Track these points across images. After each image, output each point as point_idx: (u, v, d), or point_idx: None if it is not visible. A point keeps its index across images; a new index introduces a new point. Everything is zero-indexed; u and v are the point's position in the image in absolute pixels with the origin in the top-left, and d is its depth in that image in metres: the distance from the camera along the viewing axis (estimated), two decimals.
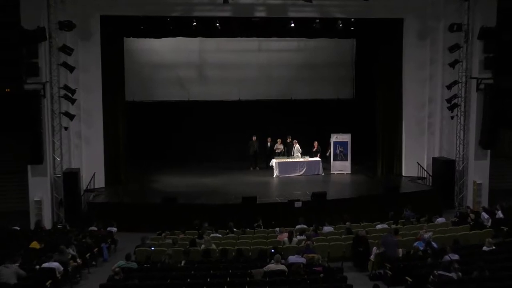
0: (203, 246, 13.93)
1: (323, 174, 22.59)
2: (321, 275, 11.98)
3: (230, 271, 12.10)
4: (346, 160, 22.64)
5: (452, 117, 20.89)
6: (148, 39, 22.61)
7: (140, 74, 24.00)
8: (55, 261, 12.55)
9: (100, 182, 20.35)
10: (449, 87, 20.51)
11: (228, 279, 11.61)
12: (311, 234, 15.01)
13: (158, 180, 22.06)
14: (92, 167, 20.01)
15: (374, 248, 13.65)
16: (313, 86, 25.38)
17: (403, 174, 22.10)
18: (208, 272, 12.09)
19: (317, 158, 22.85)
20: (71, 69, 18.76)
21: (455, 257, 12.30)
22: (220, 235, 15.49)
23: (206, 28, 20.89)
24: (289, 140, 23.38)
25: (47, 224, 18.12)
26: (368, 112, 24.10)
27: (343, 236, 15.08)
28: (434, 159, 21.38)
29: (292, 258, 12.69)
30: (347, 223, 15.99)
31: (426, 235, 14.25)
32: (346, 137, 22.68)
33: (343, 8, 20.77)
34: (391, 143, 22.58)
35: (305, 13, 20.69)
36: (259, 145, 23.60)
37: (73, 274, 13.25)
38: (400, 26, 21.40)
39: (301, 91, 25.43)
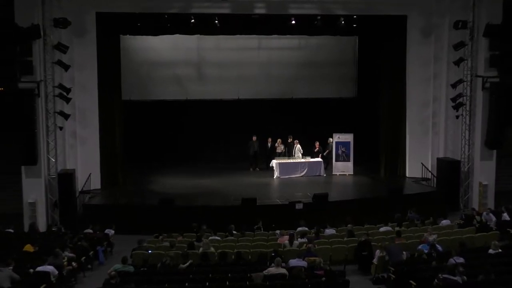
0: (201, 249, 13.92)
1: (324, 175, 22.59)
2: (323, 279, 11.96)
3: (229, 275, 12.08)
4: (348, 160, 22.65)
5: (457, 117, 20.88)
6: (145, 36, 22.57)
7: (137, 73, 24.00)
8: (49, 264, 12.52)
9: (95, 183, 20.34)
10: (454, 85, 20.50)
11: (227, 283, 11.61)
12: (313, 236, 15.01)
13: (155, 181, 22.06)
14: (87, 168, 20.00)
15: (377, 251, 13.64)
16: (315, 85, 25.36)
17: (407, 175, 22.12)
18: (206, 276, 12.07)
19: (319, 159, 22.85)
20: (66, 67, 18.75)
21: (460, 260, 12.30)
22: (219, 238, 15.49)
23: (205, 25, 20.86)
24: (289, 140, 23.39)
25: (42, 226, 18.10)
26: (371, 112, 24.10)
27: (345, 239, 15.09)
28: (438, 159, 21.38)
29: (293, 262, 12.70)
30: (349, 225, 15.99)
31: (431, 238, 14.25)
32: (348, 137, 22.69)
33: (345, 4, 20.79)
34: (394, 143, 22.58)
35: (306, 10, 20.71)
36: (259, 145, 23.60)
37: (68, 278, 13.24)
38: (403, 23, 21.41)
39: (302, 90, 25.42)
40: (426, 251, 13.60)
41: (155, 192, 20.19)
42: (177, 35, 22.29)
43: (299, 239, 14.92)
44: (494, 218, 16.73)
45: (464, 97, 20.54)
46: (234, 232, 15.97)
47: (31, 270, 12.42)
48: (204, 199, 19.29)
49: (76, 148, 19.98)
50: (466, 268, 11.83)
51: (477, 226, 16.24)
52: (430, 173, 21.45)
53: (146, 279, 11.96)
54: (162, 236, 15.68)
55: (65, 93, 18.75)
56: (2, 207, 19.56)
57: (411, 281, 12.05)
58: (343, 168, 22.69)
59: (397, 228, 15.76)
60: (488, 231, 15.54)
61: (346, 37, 24.82)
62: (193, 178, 22.24)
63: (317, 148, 23.12)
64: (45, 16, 18.23)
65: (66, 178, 18.85)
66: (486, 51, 19.99)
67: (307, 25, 21.42)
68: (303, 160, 22.70)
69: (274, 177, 22.27)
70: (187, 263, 12.86)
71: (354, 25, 21.67)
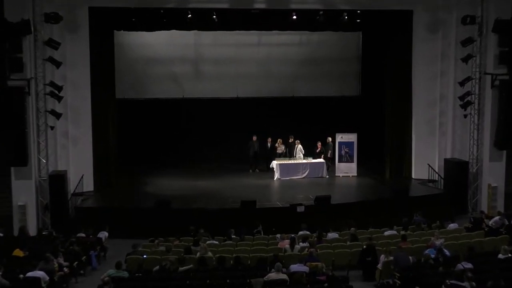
0: (198, 253, 13.91)
1: (327, 176, 22.58)
2: (325, 284, 11.96)
3: (227, 280, 12.07)
4: (352, 161, 22.64)
5: (465, 116, 20.87)
6: (140, 32, 22.61)
7: (132, 70, 24.02)
8: (40, 270, 12.52)
9: (88, 185, 20.29)
10: (461, 83, 20.48)
11: None
12: (315, 241, 15.00)
13: (150, 182, 22.03)
14: (80, 169, 19.95)
15: (382, 256, 13.63)
16: (317, 83, 25.38)
17: (413, 177, 22.08)
18: (204, 281, 12.08)
19: (321, 160, 22.84)
20: (57, 64, 18.71)
21: (469, 265, 12.30)
22: (217, 242, 15.47)
23: (202, 20, 20.86)
24: (290, 140, 23.38)
25: (32, 230, 18.04)
26: (375, 110, 24.11)
27: (348, 243, 15.07)
28: (446, 160, 21.37)
29: (294, 267, 12.68)
30: (352, 228, 15.98)
31: (438, 242, 14.24)
32: (351, 137, 22.66)
33: None
34: (399, 143, 22.57)
35: (308, 5, 20.71)
36: (259, 145, 23.58)
37: (60, 284, 13.22)
38: (409, 18, 21.38)
39: (304, 88, 25.44)
40: (433, 256, 13.59)
41: (150, 194, 20.15)
42: (173, 31, 22.29)
43: (300, 243, 14.90)
44: (500, 222, 16.71)
45: (473, 96, 20.52)
46: (233, 236, 15.94)
47: (21, 276, 12.39)
48: (202, 201, 19.25)
49: (68, 148, 19.93)
50: (475, 273, 11.82)
51: (486, 230, 16.22)
52: (437, 175, 21.43)
53: (141, 285, 11.95)
54: (157, 240, 15.66)
55: (56, 91, 18.72)
56: None
57: (417, 287, 12.03)
58: (346, 169, 22.67)
59: (402, 232, 15.75)
60: (498, 235, 15.52)
61: (350, 33, 24.86)
62: (190, 180, 22.23)
63: (319, 149, 23.11)
64: (35, 11, 18.19)
65: (58, 179, 18.81)
66: (495, 47, 19.95)
67: (309, 21, 21.45)
68: (304, 161, 22.69)
69: (275, 179, 22.26)
70: (188, 267, 12.84)
71: (358, 21, 21.69)
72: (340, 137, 22.71)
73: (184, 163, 24.33)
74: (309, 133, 23.74)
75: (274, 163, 22.48)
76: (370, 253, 13.99)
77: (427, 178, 21.63)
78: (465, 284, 11.33)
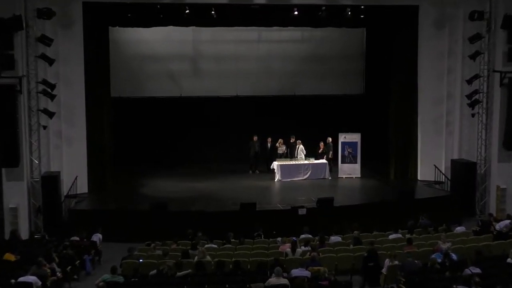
0: (196, 258, 13.90)
1: (329, 178, 22.57)
2: None
3: (226, 285, 12.07)
4: (355, 162, 22.63)
5: (472, 115, 20.86)
6: (136, 28, 22.64)
7: (128, 67, 24.04)
8: (32, 274, 12.50)
9: (82, 187, 20.29)
10: (469, 81, 20.48)
11: None
12: (317, 244, 15.00)
13: (147, 184, 22.05)
14: (74, 170, 19.94)
15: (387, 260, 13.61)
16: (319, 81, 25.40)
17: (419, 178, 22.07)
18: (202, 286, 12.07)
19: (323, 160, 22.83)
20: (50, 61, 18.69)
21: (477, 270, 12.26)
22: (215, 246, 15.46)
23: (200, 16, 20.87)
24: (292, 140, 23.38)
25: (24, 233, 18.05)
26: (380, 109, 24.11)
27: (351, 247, 15.05)
28: (453, 161, 21.36)
29: (296, 271, 12.66)
30: (355, 232, 15.97)
31: (444, 246, 14.24)
32: (355, 137, 22.66)
33: None
34: (405, 143, 22.56)
35: (310, 0, 20.68)
36: (259, 145, 23.57)
37: None
38: (415, 14, 21.36)
39: (305, 86, 25.46)
40: (439, 260, 13.58)
41: (147, 196, 20.17)
42: (170, 27, 22.30)
43: (302, 247, 14.90)
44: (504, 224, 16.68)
45: (481, 94, 20.52)
46: (232, 239, 15.93)
47: (12, 281, 12.37)
48: (200, 203, 19.25)
49: (62, 148, 19.92)
50: (483, 278, 11.81)
51: (494, 233, 16.20)
52: (443, 176, 21.43)
53: None
54: (154, 244, 15.63)
55: (49, 90, 18.70)
56: None
57: None
58: (350, 171, 22.68)
59: (408, 235, 15.74)
60: (506, 238, 15.51)
61: (353, 29, 24.85)
62: (187, 181, 22.24)
63: (322, 149, 23.10)
64: (27, 6, 18.17)
65: (51, 181, 18.80)
66: (504, 44, 19.95)
67: (311, 16, 21.44)
68: (306, 161, 22.69)
69: (275, 180, 22.26)
70: (185, 272, 12.83)
71: (362, 16, 21.71)
72: (343, 137, 22.70)
73: (182, 164, 24.34)
74: (311, 133, 23.74)
75: (275, 164, 22.48)
76: (373, 258, 13.95)
77: (433, 179, 21.63)
78: None
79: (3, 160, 18.18)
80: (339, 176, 22.70)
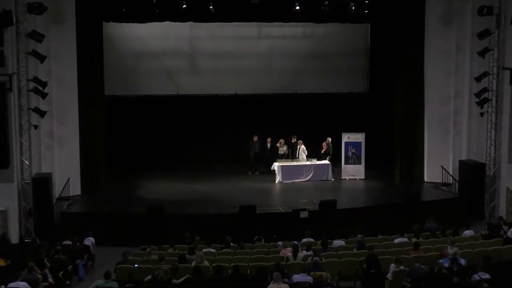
0: (194, 262, 13.88)
1: (332, 179, 22.57)
2: None
3: None
4: (359, 163, 22.62)
5: (481, 114, 20.86)
6: (131, 24, 22.63)
7: (122, 65, 24.03)
8: (22, 280, 12.48)
9: (75, 189, 20.33)
10: (478, 79, 20.48)
11: None
12: (319, 249, 14.99)
13: (142, 186, 22.04)
14: (66, 172, 19.98)
15: (392, 265, 13.58)
16: (321, 78, 25.41)
17: (425, 180, 22.12)
18: None
19: (326, 161, 22.81)
20: (41, 58, 18.68)
21: (485, 276, 12.26)
22: (214, 250, 15.47)
23: (198, 11, 20.91)
24: (293, 140, 23.37)
25: (14, 237, 18.04)
26: (384, 108, 24.11)
27: (355, 251, 15.04)
28: (461, 162, 21.37)
29: (297, 277, 12.66)
30: (359, 235, 15.94)
31: (452, 251, 14.21)
32: (359, 137, 22.64)
33: None
34: (411, 143, 22.57)
35: None
36: (260, 146, 23.57)
37: None
38: (421, 8, 21.40)
39: (307, 84, 25.46)
40: (446, 266, 13.54)
41: (142, 199, 20.18)
42: (167, 23, 22.36)
43: (303, 251, 14.88)
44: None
45: (490, 92, 20.51)
46: (231, 243, 15.92)
47: (2, 287, 12.36)
48: (198, 206, 19.27)
49: (53, 149, 19.94)
50: (492, 284, 11.80)
51: (504, 237, 16.18)
52: (451, 178, 21.44)
53: None
54: (150, 248, 15.67)
55: (40, 88, 18.70)
56: None
57: None
58: (354, 172, 22.66)
59: (414, 239, 15.72)
60: None
61: (357, 25, 24.91)
62: (185, 183, 22.24)
63: (324, 149, 23.08)
64: (17, 1, 18.13)
65: (42, 183, 18.79)
66: None
67: (313, 11, 21.49)
68: (308, 162, 22.68)
69: (276, 182, 22.25)
70: (182, 278, 12.81)
71: (366, 11, 21.73)
72: (346, 137, 22.68)
73: (179, 165, 24.32)
74: (313, 133, 23.72)
75: (276, 165, 22.47)
76: (373, 264, 13.89)
77: (440, 181, 21.66)
78: None
79: None
80: (342, 177, 22.70)
